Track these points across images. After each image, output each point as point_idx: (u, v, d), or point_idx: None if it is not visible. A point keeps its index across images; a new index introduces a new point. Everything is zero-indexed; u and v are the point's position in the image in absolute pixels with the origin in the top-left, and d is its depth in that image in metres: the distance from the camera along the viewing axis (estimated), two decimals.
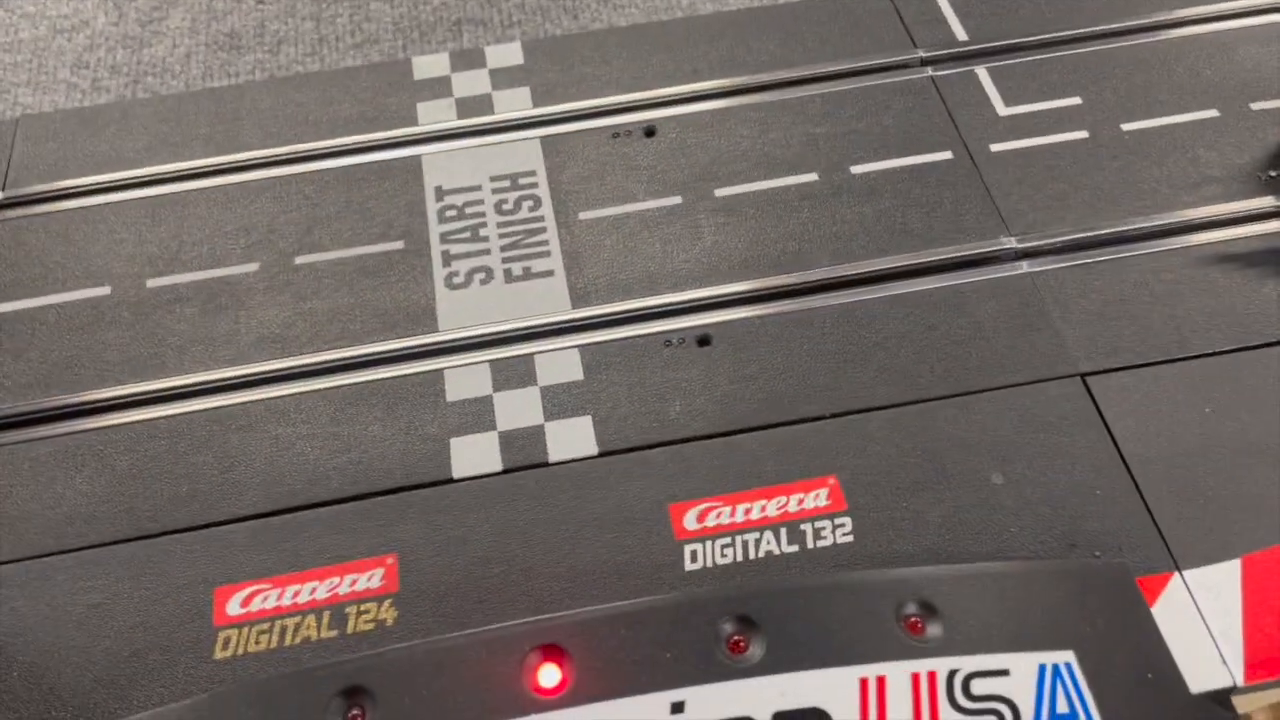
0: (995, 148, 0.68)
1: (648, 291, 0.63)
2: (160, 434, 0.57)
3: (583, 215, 0.66)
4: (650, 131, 0.70)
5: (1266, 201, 0.64)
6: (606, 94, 0.72)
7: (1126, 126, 0.69)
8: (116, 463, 0.57)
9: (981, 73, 0.72)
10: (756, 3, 0.80)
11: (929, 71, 0.72)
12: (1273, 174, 0.63)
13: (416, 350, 0.60)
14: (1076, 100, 0.70)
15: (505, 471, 0.56)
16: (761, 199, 0.67)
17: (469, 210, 0.67)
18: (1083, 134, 0.69)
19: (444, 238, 0.66)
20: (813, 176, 0.68)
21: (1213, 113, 0.69)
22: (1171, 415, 0.57)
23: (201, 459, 0.56)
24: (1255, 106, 0.69)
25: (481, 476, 0.55)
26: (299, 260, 0.64)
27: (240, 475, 0.56)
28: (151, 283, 0.64)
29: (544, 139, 0.70)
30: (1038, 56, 0.73)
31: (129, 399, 0.59)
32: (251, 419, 0.58)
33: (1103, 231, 0.64)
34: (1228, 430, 0.56)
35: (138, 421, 0.58)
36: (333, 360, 0.60)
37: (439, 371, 0.59)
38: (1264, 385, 0.58)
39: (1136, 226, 0.64)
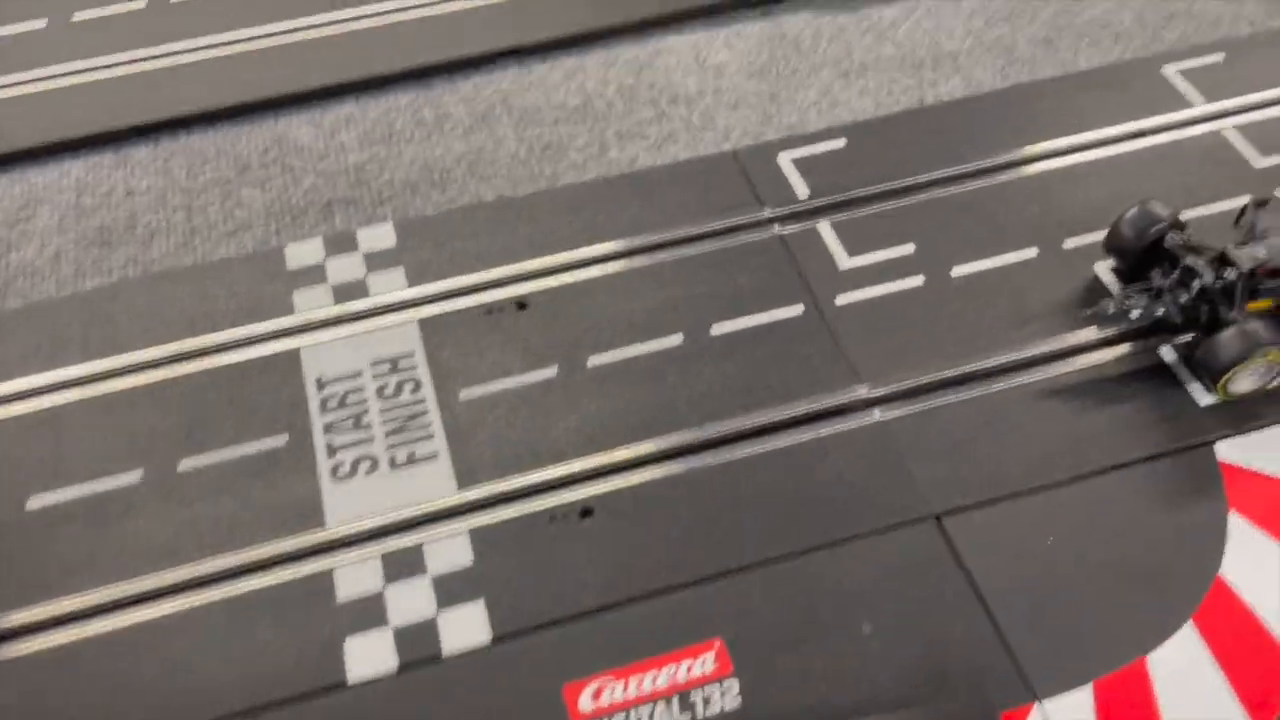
0: (841, 300, 0.74)
1: (531, 466, 0.66)
2: (45, 665, 0.57)
3: (463, 394, 0.69)
4: (522, 304, 0.74)
5: (1085, 335, 0.71)
6: (478, 269, 0.76)
7: (956, 271, 0.75)
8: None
9: (824, 227, 0.78)
10: (614, 171, 0.85)
11: (776, 230, 0.78)
12: (1088, 313, 0.69)
13: (305, 550, 0.62)
14: (910, 248, 0.77)
15: (400, 670, 0.57)
16: (632, 365, 0.71)
17: (350, 399, 0.69)
18: (919, 280, 0.75)
19: (327, 429, 0.67)
20: (677, 339, 0.72)
21: (1032, 252, 0.76)
22: (1020, 548, 0.62)
23: (89, 691, 0.56)
24: (1068, 244, 0.76)
25: (376, 680, 0.56)
26: (183, 466, 0.65)
27: (127, 705, 0.56)
28: (31, 503, 0.64)
29: (421, 320, 0.73)
30: (874, 209, 0.79)
31: (11, 630, 0.59)
32: (139, 640, 0.58)
33: (945, 374, 0.69)
34: (1071, 557, 0.62)
35: (21, 656, 0.58)
36: (221, 569, 0.61)
37: (329, 571, 0.61)
38: (1101, 511, 0.64)
39: (975, 367, 0.70)
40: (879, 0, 0.99)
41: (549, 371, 0.70)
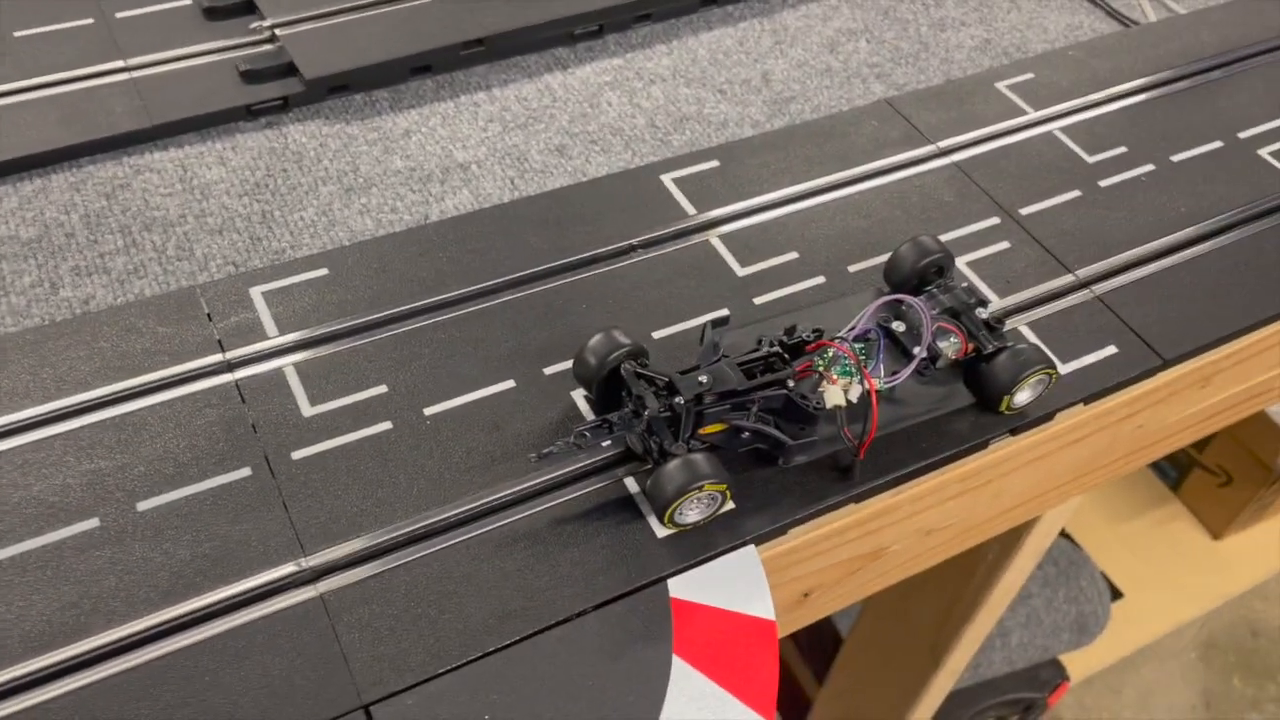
0: (298, 455, 0.67)
1: None
2: None
3: None
4: None
5: (555, 471, 0.68)
6: None
7: (430, 410, 0.71)
8: None
9: (289, 371, 0.72)
10: (60, 315, 0.74)
11: (233, 376, 0.71)
12: (534, 457, 0.66)
13: None
14: (383, 389, 0.72)
15: None
16: (30, 560, 0.61)
17: None
18: (387, 425, 0.70)
19: None
20: (94, 523, 0.63)
21: (510, 383, 0.74)
22: None
23: None
24: (548, 371, 0.74)
25: None
26: None
27: None
28: None
29: None
30: (348, 344, 0.74)
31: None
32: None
33: (399, 533, 0.64)
34: None
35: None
36: None
37: None
38: (548, 671, 0.60)
39: (437, 519, 0.65)
40: (391, 109, 0.96)
41: None
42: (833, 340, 0.70)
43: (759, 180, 0.90)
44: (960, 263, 0.84)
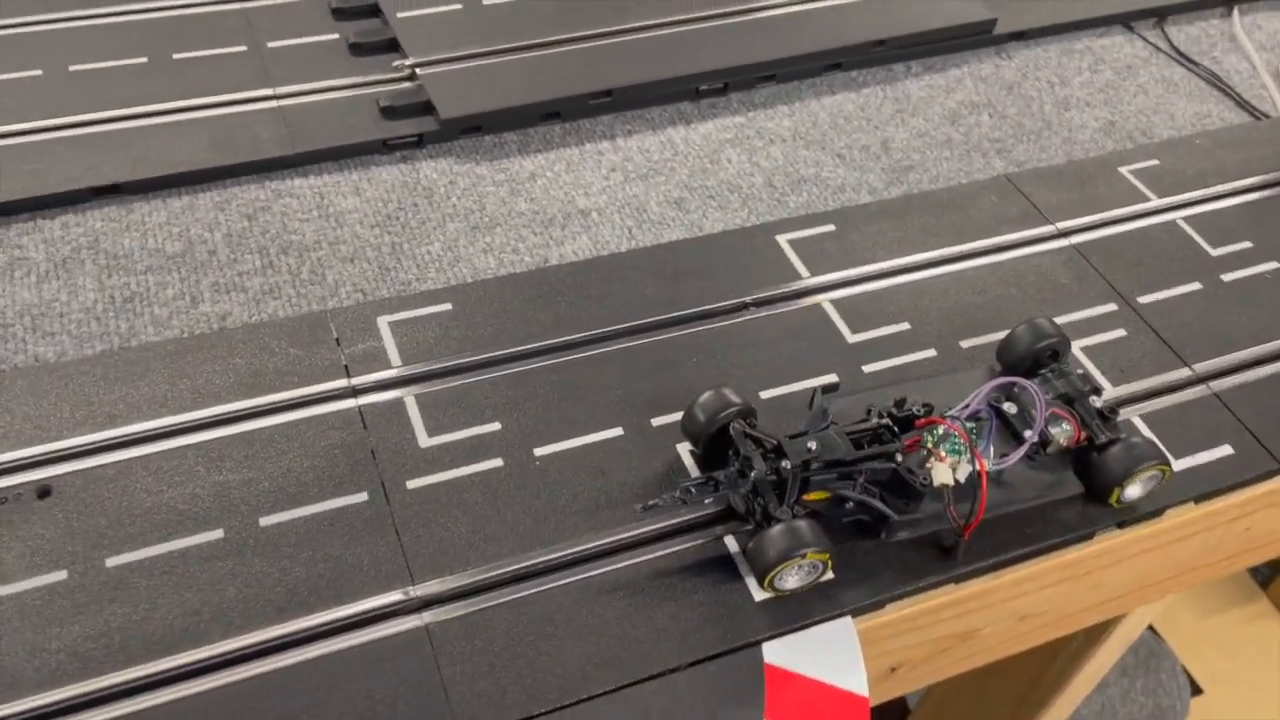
0: (412, 484, 0.70)
1: (8, 698, 0.57)
2: None
3: None
4: (44, 492, 0.66)
5: (656, 523, 0.69)
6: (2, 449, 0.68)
7: (539, 451, 0.73)
8: None
9: (409, 401, 0.74)
10: (198, 329, 0.78)
11: (357, 402, 0.74)
12: (640, 508, 0.67)
13: None
14: (497, 426, 0.74)
15: None
16: (158, 564, 0.64)
17: None
18: (498, 462, 0.72)
19: None
20: (218, 534, 0.66)
21: (618, 430, 0.75)
22: None
23: None
24: (655, 422, 0.75)
25: None
26: None
27: None
28: None
29: None
30: (467, 380, 0.76)
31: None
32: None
33: (503, 570, 0.66)
34: None
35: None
36: None
37: None
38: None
39: (535, 561, 0.67)
40: (519, 152, 0.99)
41: (58, 575, 0.62)
42: (944, 418, 0.70)
43: (874, 247, 0.91)
44: (1074, 347, 0.84)
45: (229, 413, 0.71)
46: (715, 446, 0.71)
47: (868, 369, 0.81)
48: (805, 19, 1.12)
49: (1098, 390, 0.76)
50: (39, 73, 0.96)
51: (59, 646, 0.60)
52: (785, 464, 0.67)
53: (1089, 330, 0.86)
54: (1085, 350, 0.84)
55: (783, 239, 0.90)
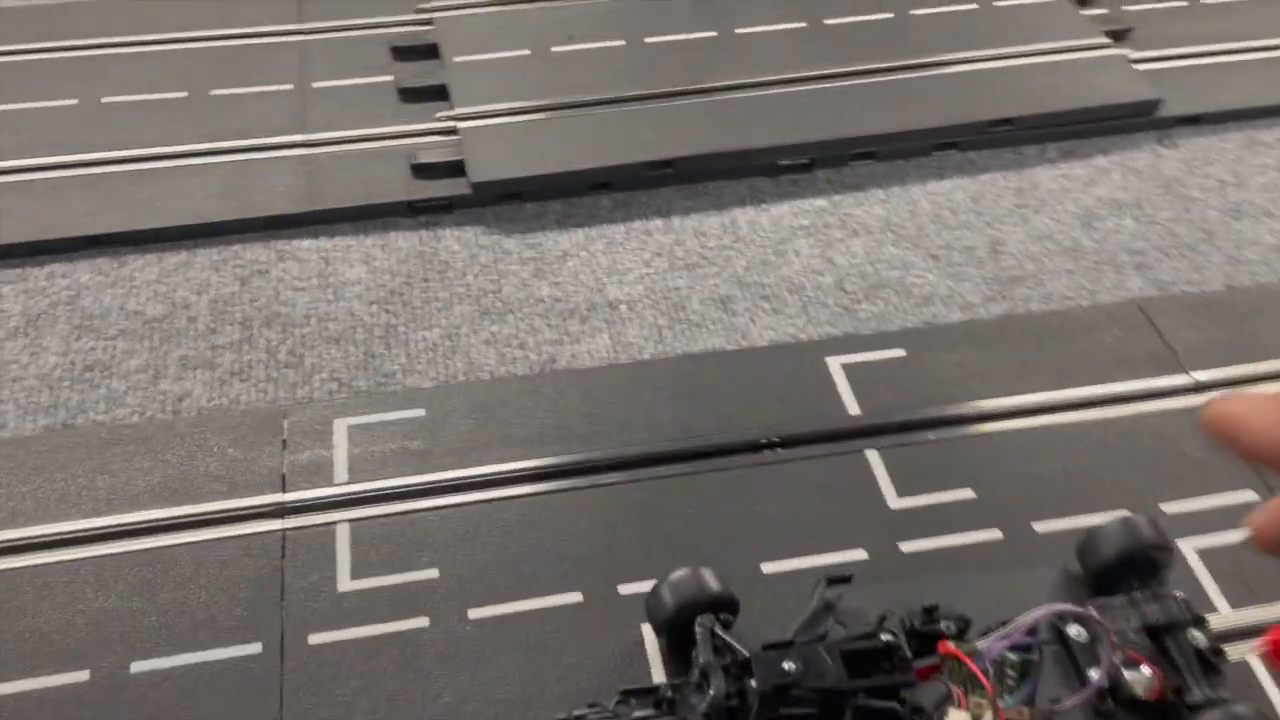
0: (315, 638, 0.58)
1: None
2: None
3: None
4: None
5: None
6: None
7: (473, 613, 0.60)
8: None
9: (342, 530, 0.64)
10: (156, 411, 0.70)
11: (284, 524, 0.64)
12: (575, 715, 0.54)
13: None
14: (433, 573, 0.62)
15: None
16: (7, 704, 0.56)
17: None
18: (423, 622, 0.60)
19: None
20: (84, 675, 0.56)
21: (577, 596, 0.62)
22: None
23: None
24: (622, 590, 0.62)
25: None
26: None
27: None
28: None
29: None
30: (412, 508, 0.65)
31: None
32: None
33: None
34: None
35: None
36: None
37: None
38: None
39: None
40: (557, 225, 0.87)
41: None
42: (971, 656, 0.54)
43: (948, 383, 0.74)
44: (1187, 546, 0.65)
45: (138, 523, 0.63)
46: (681, 641, 0.58)
47: (906, 547, 0.65)
48: (918, 88, 0.95)
49: (1201, 622, 0.57)
50: (74, 102, 0.92)
51: None
52: (752, 683, 0.53)
53: (1213, 525, 0.66)
54: (1202, 554, 0.65)
55: (835, 361, 0.75)
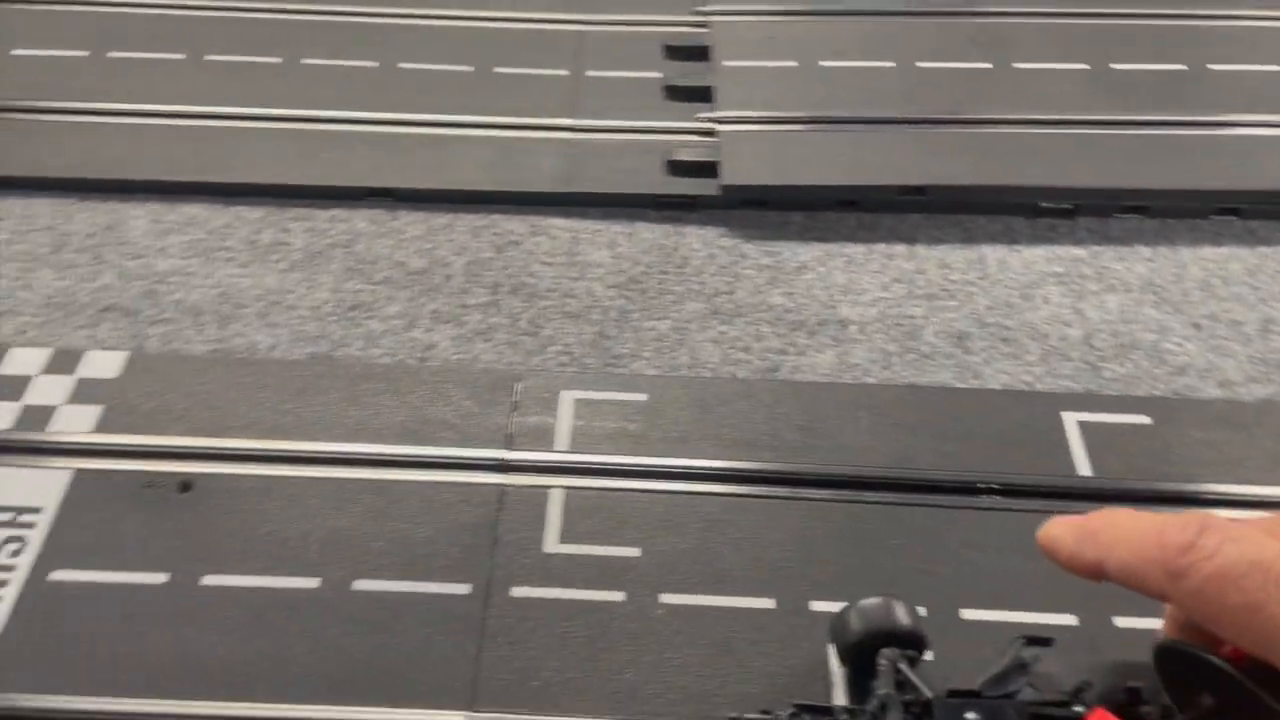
0: (518, 591, 0.61)
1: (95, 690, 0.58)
2: None
3: (54, 576, 0.62)
4: (185, 487, 0.66)
5: None
6: (168, 433, 0.69)
7: (667, 598, 0.62)
8: None
9: (555, 495, 0.67)
10: (397, 356, 0.75)
11: (504, 479, 0.67)
12: (744, 718, 0.55)
13: None
14: (636, 552, 0.64)
15: None
16: (246, 597, 0.61)
17: None
18: (620, 596, 0.62)
19: None
20: (314, 583, 0.61)
21: (770, 602, 0.62)
22: None
23: None
24: (813, 606, 0.62)
25: None
26: None
27: None
28: None
29: (79, 472, 0.67)
30: (624, 487, 0.67)
31: None
32: None
33: None
34: None
35: None
36: None
37: None
38: None
39: None
40: (798, 236, 0.87)
41: (158, 576, 0.62)
42: None
43: (1194, 461, 0.69)
44: None
45: (378, 455, 0.68)
46: (863, 669, 0.57)
47: (1121, 622, 0.61)
48: (1204, 145, 0.89)
49: None
50: (374, 64, 1.00)
51: (113, 653, 0.59)
52: None
53: None
54: None
55: (1071, 417, 0.72)
